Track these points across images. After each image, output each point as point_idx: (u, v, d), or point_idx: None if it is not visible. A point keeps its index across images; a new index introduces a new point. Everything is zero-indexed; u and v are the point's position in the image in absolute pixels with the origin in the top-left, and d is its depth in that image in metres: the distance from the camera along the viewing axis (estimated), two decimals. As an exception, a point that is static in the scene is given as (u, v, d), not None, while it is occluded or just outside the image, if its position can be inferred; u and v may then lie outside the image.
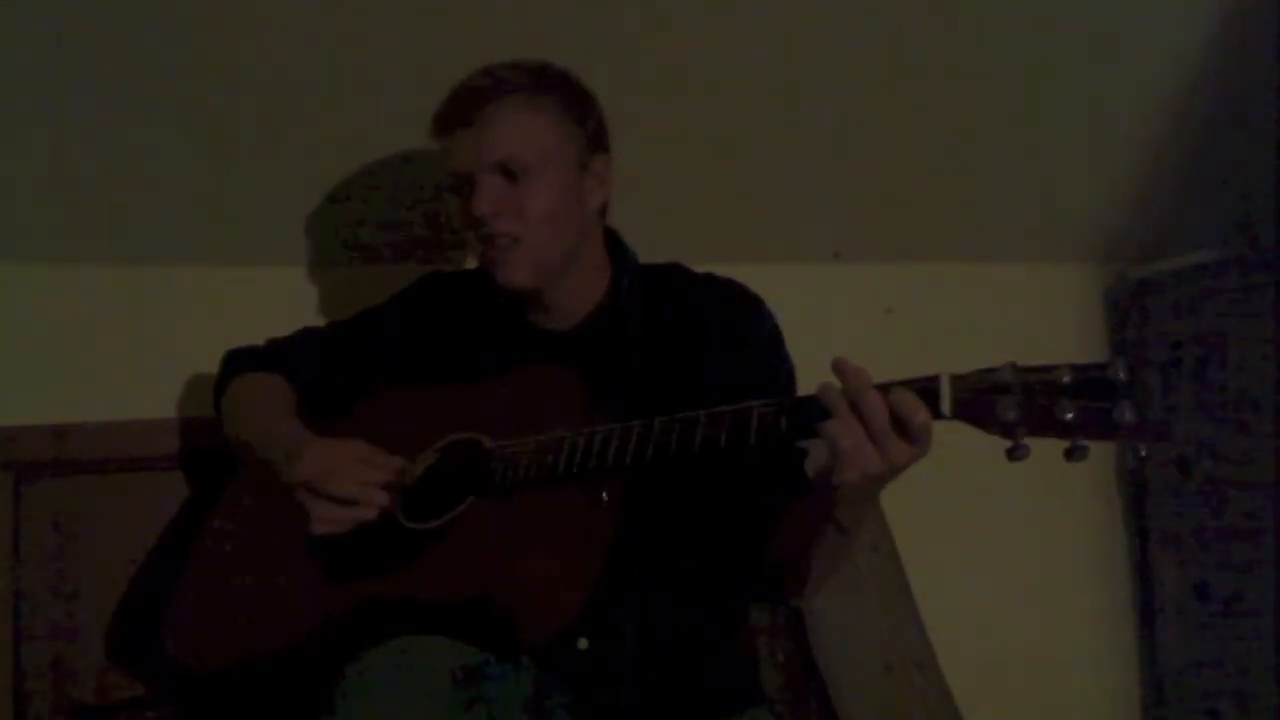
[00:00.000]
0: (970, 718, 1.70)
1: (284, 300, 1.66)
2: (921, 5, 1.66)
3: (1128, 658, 2.20)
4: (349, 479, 1.16)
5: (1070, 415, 0.85)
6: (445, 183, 1.31)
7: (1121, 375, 0.84)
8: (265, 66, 1.47)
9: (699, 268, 1.38)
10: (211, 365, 1.44)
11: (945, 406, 0.91)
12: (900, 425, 0.92)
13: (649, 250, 1.39)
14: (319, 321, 1.53)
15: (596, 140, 1.30)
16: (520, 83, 1.25)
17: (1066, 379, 0.86)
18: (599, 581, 1.10)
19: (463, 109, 1.25)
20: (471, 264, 1.74)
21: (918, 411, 0.91)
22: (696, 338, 1.28)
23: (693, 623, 1.23)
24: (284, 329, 1.47)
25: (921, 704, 1.70)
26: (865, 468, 0.93)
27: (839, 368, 0.95)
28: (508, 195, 1.23)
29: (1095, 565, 2.20)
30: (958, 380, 0.91)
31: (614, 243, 1.37)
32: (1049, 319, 2.09)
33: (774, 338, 1.31)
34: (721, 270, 1.37)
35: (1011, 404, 0.87)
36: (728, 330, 1.29)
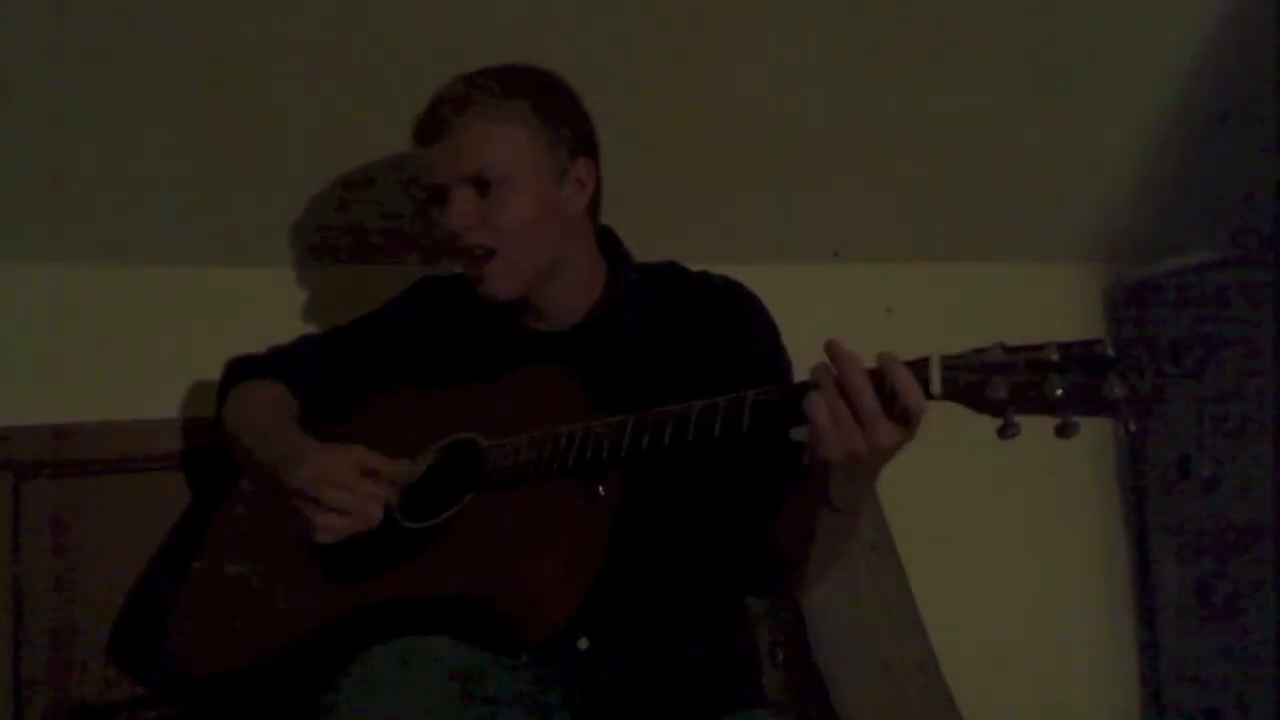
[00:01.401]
0: (970, 718, 1.70)
1: (283, 300, 1.66)
2: (922, 5, 1.66)
3: (1128, 658, 2.20)
4: (348, 489, 1.16)
5: (1060, 392, 0.86)
6: (423, 194, 1.31)
7: (1110, 351, 0.85)
8: (264, 66, 1.47)
9: (699, 268, 1.38)
10: (211, 365, 1.44)
11: (935, 386, 0.91)
12: (890, 405, 0.92)
13: (649, 250, 1.39)
14: (319, 322, 1.53)
15: (577, 144, 1.29)
16: (493, 91, 1.24)
17: (1055, 356, 0.87)
18: (597, 580, 1.10)
19: (435, 121, 1.24)
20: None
21: (911, 394, 0.91)
22: (694, 336, 1.28)
23: (693, 622, 1.23)
24: (283, 329, 1.47)
25: (921, 704, 1.70)
26: (848, 445, 0.93)
27: (831, 351, 0.95)
28: (480, 207, 1.23)
29: (1095, 566, 2.20)
30: (947, 360, 0.91)
31: (609, 242, 1.37)
32: (1049, 319, 2.08)
33: (771, 335, 1.31)
34: (721, 270, 1.37)
35: (1001, 382, 0.88)
36: (725, 328, 1.28)
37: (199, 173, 1.56)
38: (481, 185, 1.23)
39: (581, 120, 1.31)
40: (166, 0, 1.37)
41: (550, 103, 1.27)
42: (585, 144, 1.30)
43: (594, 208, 1.33)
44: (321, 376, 1.40)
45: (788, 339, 1.32)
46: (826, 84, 1.72)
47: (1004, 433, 0.88)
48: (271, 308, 1.63)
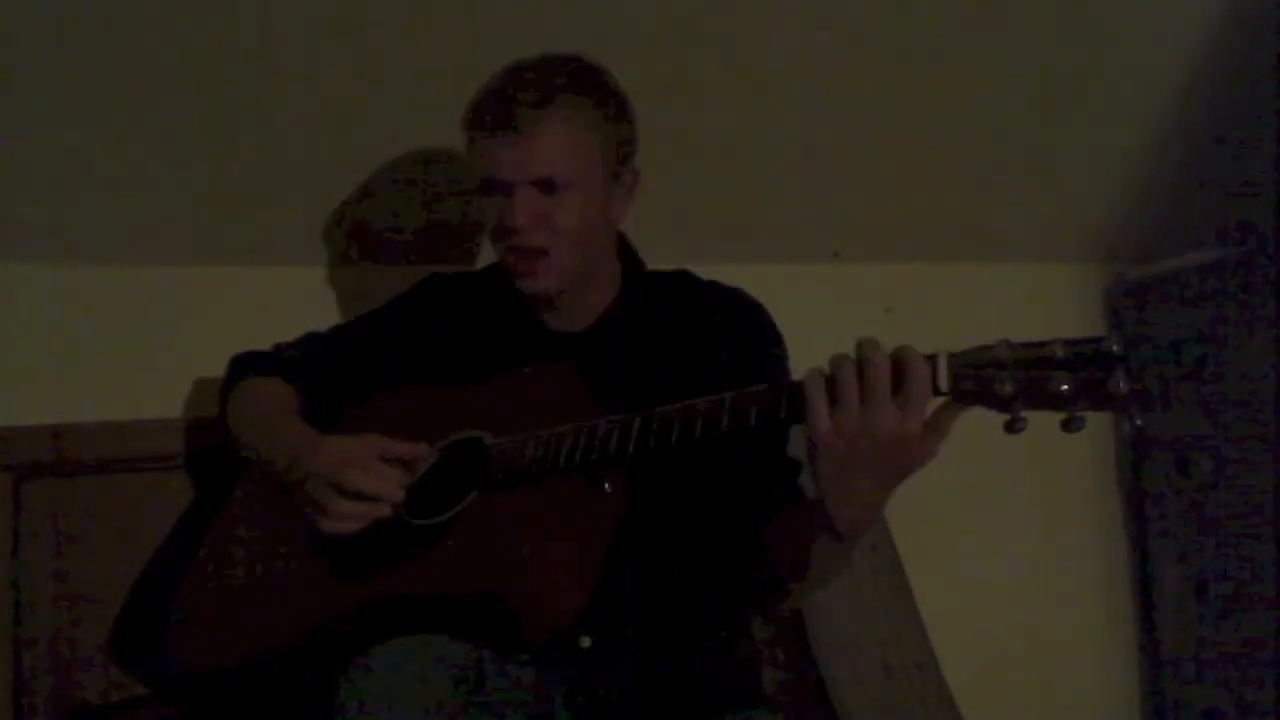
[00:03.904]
0: (970, 718, 1.70)
1: (285, 300, 1.66)
2: (923, 6, 1.66)
3: (1128, 657, 2.20)
4: (366, 473, 1.15)
5: (1065, 387, 0.87)
6: (475, 182, 1.29)
7: (1115, 347, 0.86)
8: (265, 66, 1.47)
9: (699, 268, 1.38)
10: (211, 365, 1.44)
11: (943, 383, 0.92)
12: (898, 383, 0.92)
13: (650, 250, 1.39)
14: (319, 321, 1.53)
15: (628, 151, 1.29)
16: (567, 91, 1.22)
17: (1060, 353, 0.88)
18: (601, 580, 1.10)
19: (507, 114, 1.21)
20: (473, 265, 1.74)
21: (917, 365, 0.91)
22: (700, 347, 1.28)
23: (694, 622, 1.23)
24: (284, 329, 1.47)
25: (921, 704, 1.70)
26: (843, 426, 0.93)
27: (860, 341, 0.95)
28: (544, 209, 1.23)
29: (1095, 565, 2.20)
30: (954, 358, 0.92)
31: (623, 247, 1.37)
32: (1049, 319, 2.09)
33: (776, 349, 1.31)
34: (722, 270, 1.37)
35: (1008, 378, 0.89)
36: (732, 341, 1.29)
37: (199, 172, 1.56)
38: (547, 186, 1.23)
39: (632, 122, 1.31)
40: (166, 1, 1.37)
41: (614, 108, 1.27)
42: (633, 147, 1.31)
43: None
44: (325, 374, 1.40)
45: (788, 339, 1.32)
46: (827, 84, 1.72)
47: (1011, 427, 0.90)
48: (272, 308, 1.63)
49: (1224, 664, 2.03)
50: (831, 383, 0.95)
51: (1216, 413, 1.99)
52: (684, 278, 1.38)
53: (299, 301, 1.67)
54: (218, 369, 1.43)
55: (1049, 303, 2.15)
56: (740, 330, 1.30)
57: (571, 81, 1.23)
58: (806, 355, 1.19)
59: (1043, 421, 0.89)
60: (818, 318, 1.46)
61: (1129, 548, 2.21)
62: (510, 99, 1.21)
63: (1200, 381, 2.01)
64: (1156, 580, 2.16)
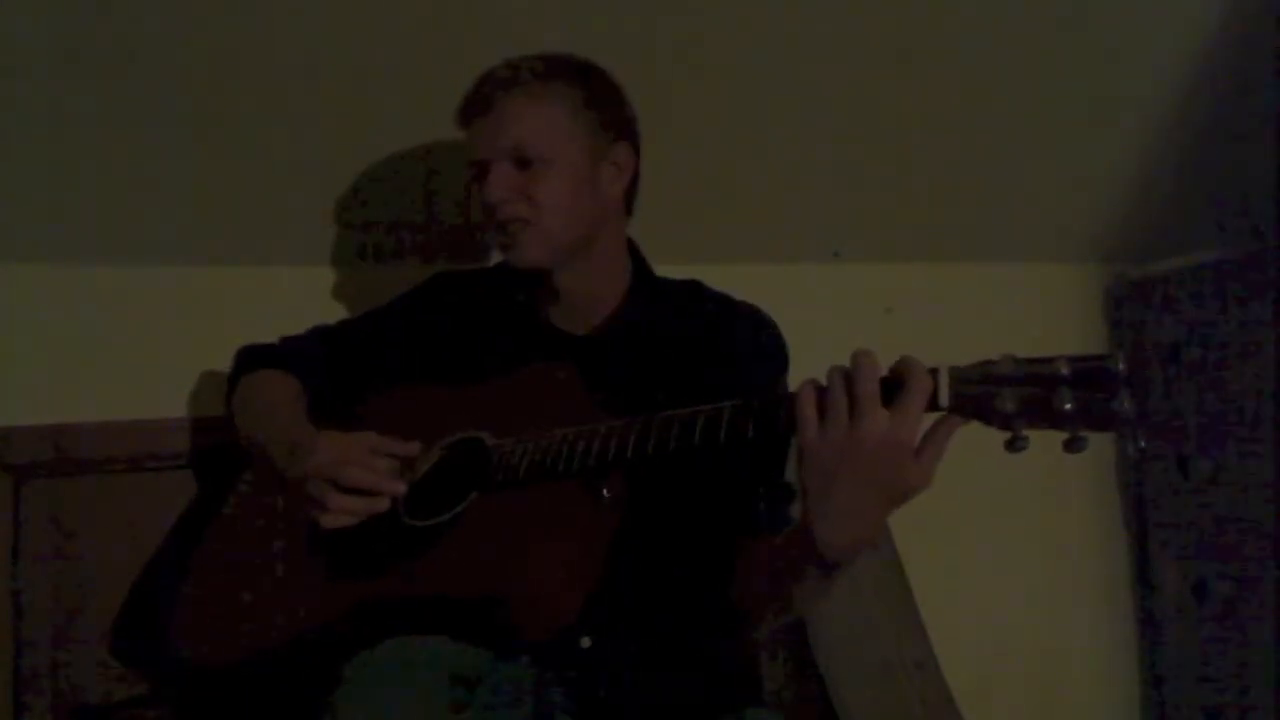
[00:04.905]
0: (970, 718, 1.70)
1: (285, 300, 1.66)
2: (923, 6, 1.66)
3: (1128, 658, 2.20)
4: (363, 469, 1.16)
5: (1069, 406, 0.85)
6: (467, 173, 1.32)
7: (1120, 366, 0.84)
8: (266, 66, 1.47)
9: (699, 267, 1.38)
10: (211, 365, 1.44)
11: (944, 399, 0.90)
12: (891, 389, 0.91)
13: (650, 249, 1.39)
14: (319, 321, 1.53)
15: (617, 128, 1.30)
16: (537, 72, 1.26)
17: (1065, 370, 0.86)
18: (601, 580, 1.10)
19: (480, 99, 1.27)
20: (475, 264, 1.74)
21: (917, 372, 0.90)
22: (705, 361, 1.27)
23: (694, 622, 1.23)
24: (284, 329, 1.47)
25: (921, 704, 1.70)
26: (829, 433, 0.92)
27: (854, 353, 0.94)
28: (519, 182, 1.25)
29: (1095, 565, 2.20)
30: (956, 373, 0.91)
31: (633, 252, 1.37)
32: (1049, 319, 2.09)
33: (782, 368, 1.31)
34: (722, 269, 1.37)
35: (1010, 396, 0.87)
36: (738, 358, 1.28)
37: (199, 172, 1.56)
38: (522, 162, 1.25)
39: (622, 105, 1.32)
40: (167, 1, 1.37)
41: (593, 86, 1.29)
42: (625, 129, 1.32)
43: (629, 198, 1.34)
44: (332, 368, 1.40)
45: (788, 339, 1.32)
46: (827, 84, 1.72)
47: (1012, 445, 0.88)
48: (272, 308, 1.63)
49: (1224, 665, 2.03)
50: (822, 393, 0.94)
51: (1216, 412, 1.99)
52: (694, 288, 1.37)
53: (299, 301, 1.67)
54: (218, 369, 1.43)
55: (1049, 303, 2.14)
56: (749, 351, 1.30)
57: (543, 65, 1.27)
58: (807, 356, 1.19)
59: (1047, 433, 0.87)
60: (818, 318, 1.46)
61: (1129, 548, 2.21)
62: (481, 85, 1.27)
63: (1200, 382, 2.01)
64: (1156, 580, 2.16)
